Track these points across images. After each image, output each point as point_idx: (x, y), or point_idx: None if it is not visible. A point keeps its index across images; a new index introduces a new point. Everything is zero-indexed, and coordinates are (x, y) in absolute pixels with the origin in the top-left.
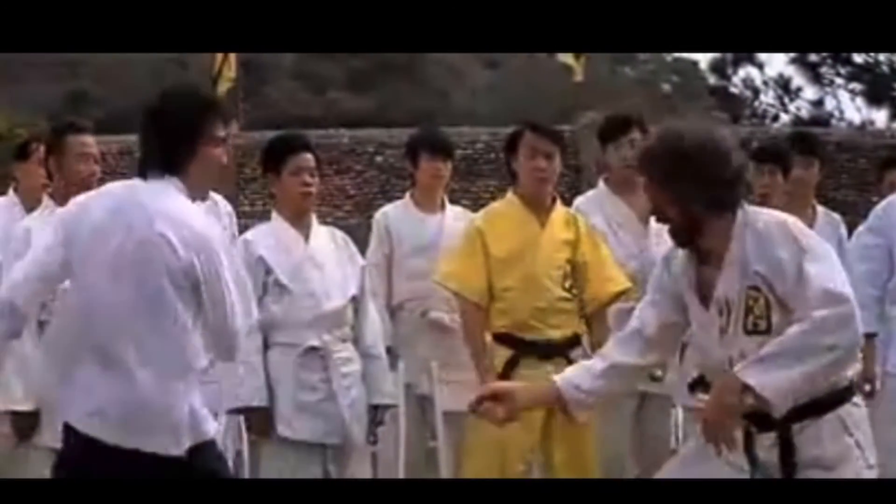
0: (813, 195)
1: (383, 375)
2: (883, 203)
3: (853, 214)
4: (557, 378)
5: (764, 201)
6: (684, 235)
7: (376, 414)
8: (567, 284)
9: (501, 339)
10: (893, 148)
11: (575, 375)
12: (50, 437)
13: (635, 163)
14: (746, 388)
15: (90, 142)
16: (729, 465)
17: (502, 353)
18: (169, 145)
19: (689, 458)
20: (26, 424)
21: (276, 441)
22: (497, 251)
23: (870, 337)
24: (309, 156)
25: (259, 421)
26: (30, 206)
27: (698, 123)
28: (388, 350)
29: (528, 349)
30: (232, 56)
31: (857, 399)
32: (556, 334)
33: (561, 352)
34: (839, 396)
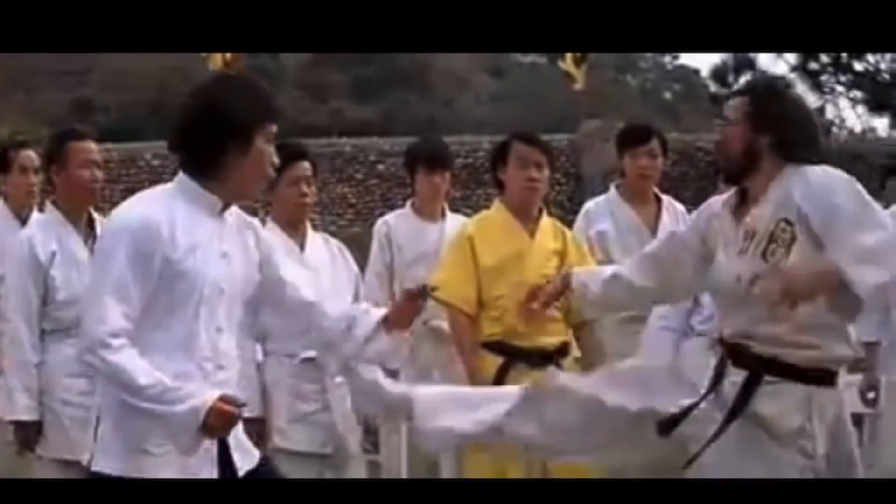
0: None
1: None
2: (892, 209)
3: None
4: (573, 271)
5: None
6: (737, 170)
7: (370, 423)
8: None
9: (493, 346)
10: (894, 156)
11: (587, 276)
12: (54, 447)
13: (651, 172)
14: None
15: (93, 148)
16: (688, 387)
17: (494, 361)
18: (219, 142)
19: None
20: (29, 434)
21: (271, 451)
22: (487, 260)
23: (871, 345)
24: (306, 164)
25: (252, 431)
26: (20, 215)
27: None
28: None
29: (519, 356)
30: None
31: (833, 392)
32: (546, 342)
33: (552, 359)
34: (819, 374)
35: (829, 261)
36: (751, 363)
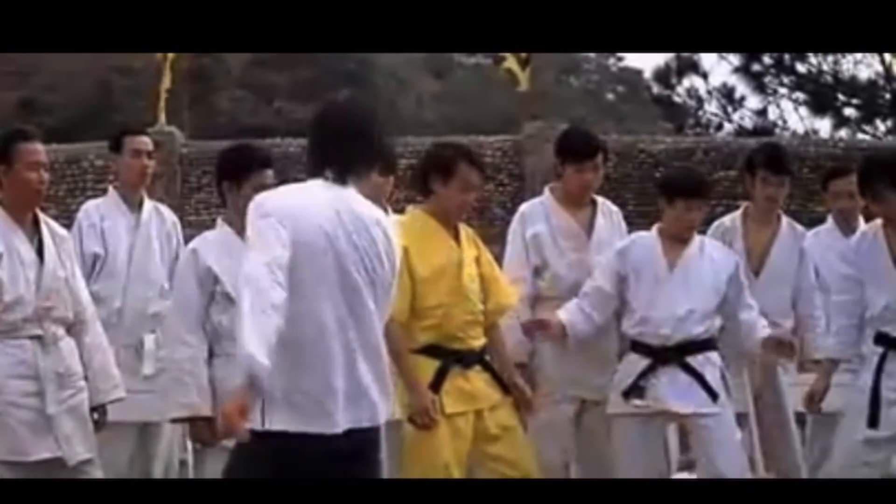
0: (779, 207)
1: None
2: (857, 235)
3: (797, 223)
4: None
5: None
6: None
7: None
8: (481, 297)
9: (429, 351)
10: (837, 157)
11: None
12: (3, 450)
13: (595, 184)
14: None
15: (40, 149)
16: None
17: (430, 364)
18: None
19: None
20: None
21: (218, 450)
22: (422, 272)
23: (835, 362)
24: (270, 172)
25: (202, 430)
26: None
27: None
28: None
29: (455, 359)
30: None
31: None
32: (476, 344)
33: (480, 359)
34: None
35: None
36: None
